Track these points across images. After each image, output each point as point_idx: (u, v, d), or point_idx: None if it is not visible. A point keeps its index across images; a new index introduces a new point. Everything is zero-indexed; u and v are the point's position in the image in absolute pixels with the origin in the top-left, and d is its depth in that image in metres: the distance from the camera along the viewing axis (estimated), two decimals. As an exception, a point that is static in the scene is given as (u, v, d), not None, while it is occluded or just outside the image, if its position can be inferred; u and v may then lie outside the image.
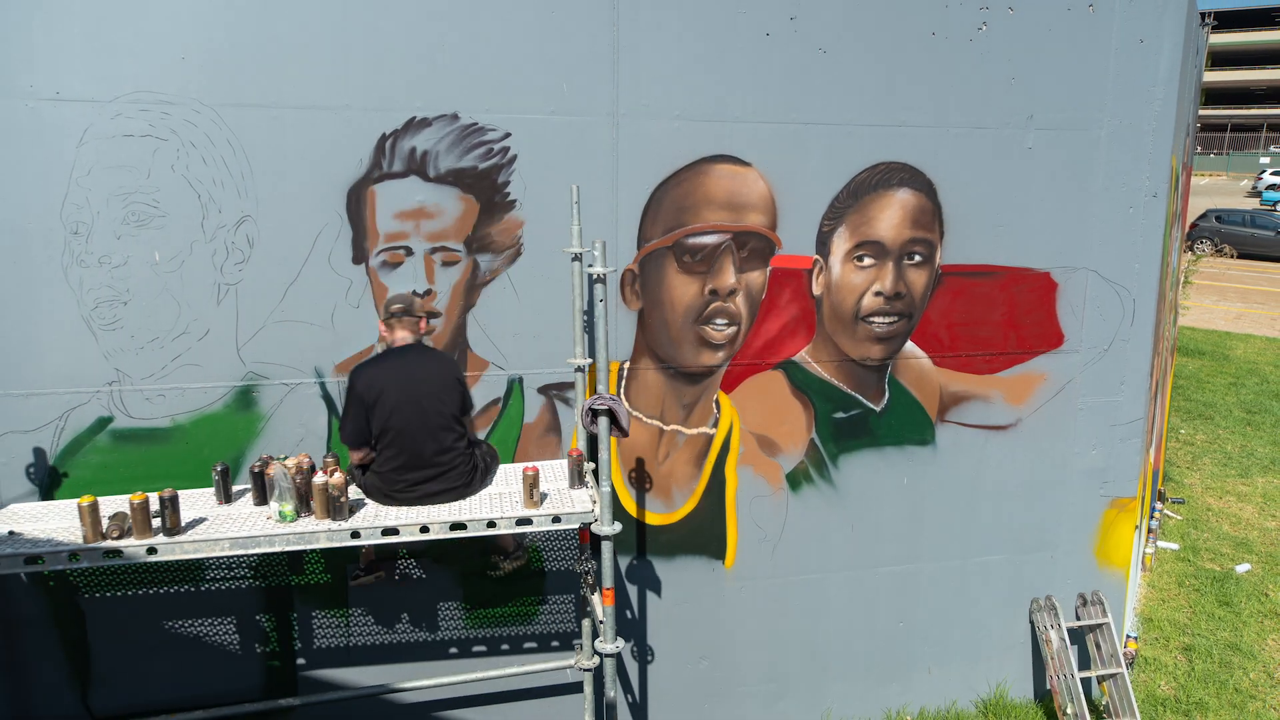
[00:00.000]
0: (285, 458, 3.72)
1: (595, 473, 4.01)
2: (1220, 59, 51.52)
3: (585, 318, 4.16)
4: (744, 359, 4.60)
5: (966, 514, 5.10)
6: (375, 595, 4.35)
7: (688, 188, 4.32)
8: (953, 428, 4.97)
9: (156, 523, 3.46)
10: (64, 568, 3.38)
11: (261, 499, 3.73)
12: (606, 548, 3.89)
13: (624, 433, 3.92)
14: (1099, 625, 5.18)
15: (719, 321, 4.52)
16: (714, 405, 4.62)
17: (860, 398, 4.82)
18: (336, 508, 3.56)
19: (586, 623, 4.46)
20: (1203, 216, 25.12)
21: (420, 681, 4.37)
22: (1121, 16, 4.63)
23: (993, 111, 4.59)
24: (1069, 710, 4.98)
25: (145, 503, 3.40)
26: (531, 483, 3.74)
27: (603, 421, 3.86)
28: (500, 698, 4.66)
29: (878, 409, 4.85)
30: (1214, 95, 52.82)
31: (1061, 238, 4.84)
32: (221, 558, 4.08)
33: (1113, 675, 5.09)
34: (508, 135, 4.06)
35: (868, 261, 4.64)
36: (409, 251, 4.06)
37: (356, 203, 3.96)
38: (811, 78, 4.34)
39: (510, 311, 4.23)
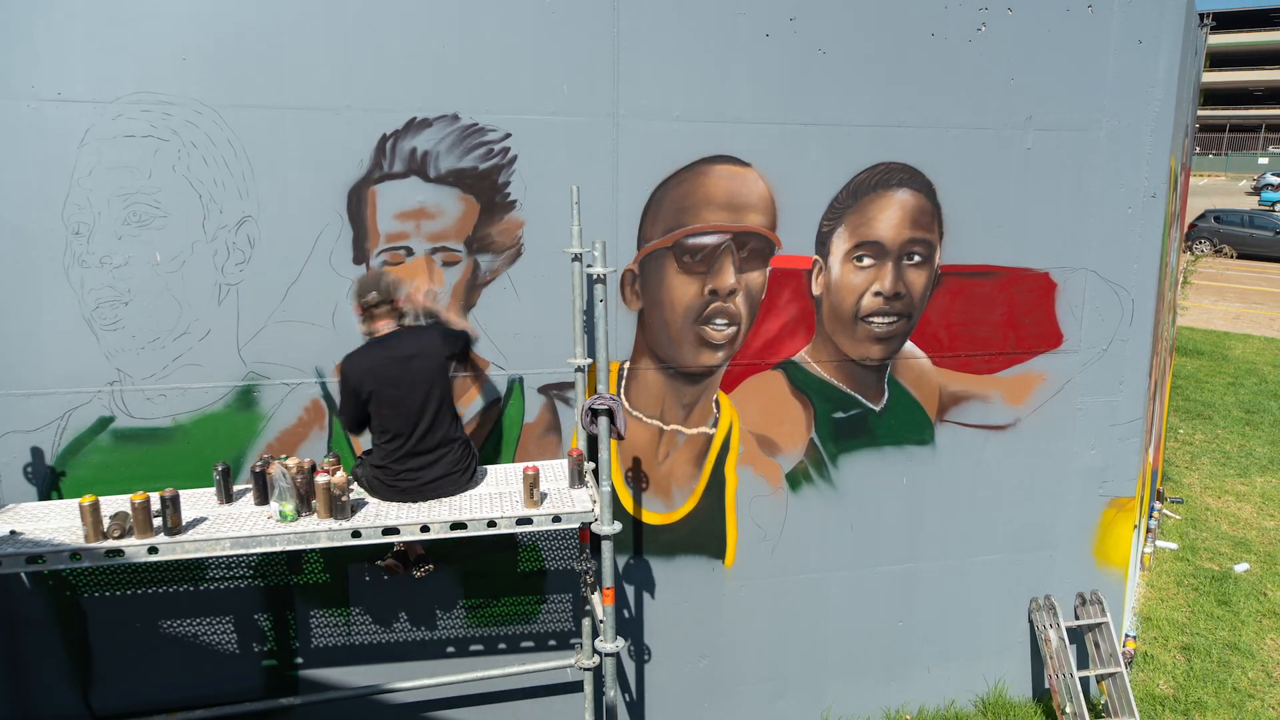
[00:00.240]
0: (286, 457, 3.73)
1: (595, 472, 4.02)
2: (1219, 59, 51.54)
3: (585, 318, 4.16)
4: (744, 359, 4.61)
5: (966, 514, 5.11)
6: (375, 595, 4.36)
7: (687, 188, 4.33)
8: (952, 428, 4.98)
9: (158, 522, 3.47)
10: (65, 567, 3.38)
11: (262, 499, 3.74)
12: (606, 547, 3.90)
13: (619, 435, 3.93)
14: (1098, 624, 5.19)
15: (719, 321, 4.53)
16: (714, 405, 4.63)
17: (860, 398, 4.83)
18: (339, 507, 3.57)
19: (586, 622, 4.47)
20: (1201, 217, 25.15)
21: (420, 681, 4.38)
22: (1120, 17, 4.64)
23: (992, 112, 4.60)
24: (1068, 709, 4.99)
25: (146, 502, 3.41)
26: (532, 482, 3.75)
27: (603, 421, 3.87)
28: (500, 697, 4.67)
29: (877, 409, 4.86)
30: (1213, 96, 52.81)
31: (1060, 238, 4.85)
32: (222, 557, 4.09)
33: (1111, 674, 5.10)
34: (508, 136, 4.07)
35: (867, 262, 4.65)
36: (409, 252, 4.07)
37: (357, 203, 3.96)
38: (811, 78, 4.35)
39: (510, 311, 4.24)
